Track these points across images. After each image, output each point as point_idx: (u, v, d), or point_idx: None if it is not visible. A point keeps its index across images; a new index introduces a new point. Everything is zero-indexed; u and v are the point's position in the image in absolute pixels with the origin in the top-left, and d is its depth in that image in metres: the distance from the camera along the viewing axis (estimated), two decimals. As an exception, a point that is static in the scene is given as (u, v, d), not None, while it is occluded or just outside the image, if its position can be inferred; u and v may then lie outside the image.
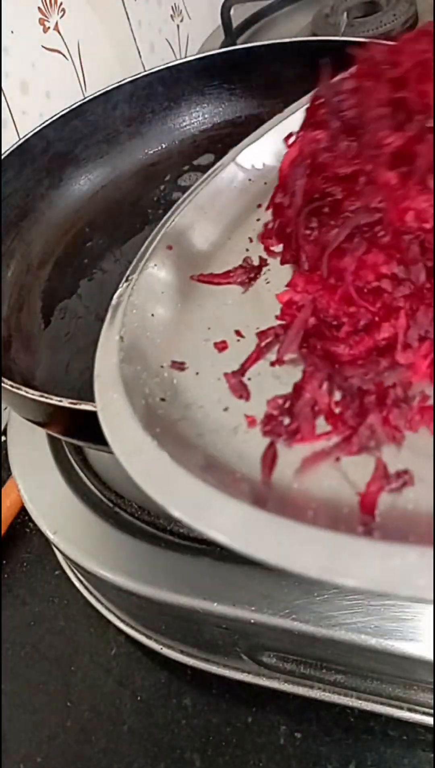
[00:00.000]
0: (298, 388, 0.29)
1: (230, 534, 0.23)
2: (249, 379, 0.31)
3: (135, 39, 0.82)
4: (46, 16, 0.68)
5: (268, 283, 0.35)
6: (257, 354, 0.31)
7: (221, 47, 0.83)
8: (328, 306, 0.30)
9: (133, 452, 0.26)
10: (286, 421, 0.28)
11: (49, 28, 0.69)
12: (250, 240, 0.38)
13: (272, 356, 0.31)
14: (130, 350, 0.31)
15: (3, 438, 0.65)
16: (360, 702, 0.43)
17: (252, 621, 0.40)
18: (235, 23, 0.87)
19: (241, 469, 0.27)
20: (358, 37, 0.74)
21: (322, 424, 0.28)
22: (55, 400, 0.35)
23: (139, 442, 0.26)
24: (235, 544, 0.23)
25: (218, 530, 0.23)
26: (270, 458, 0.27)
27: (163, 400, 0.29)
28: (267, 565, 0.22)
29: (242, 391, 0.30)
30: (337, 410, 0.28)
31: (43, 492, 0.51)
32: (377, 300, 0.29)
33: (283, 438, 0.27)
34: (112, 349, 0.31)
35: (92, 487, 0.50)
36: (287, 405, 0.28)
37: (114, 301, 0.34)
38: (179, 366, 0.31)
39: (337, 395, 0.28)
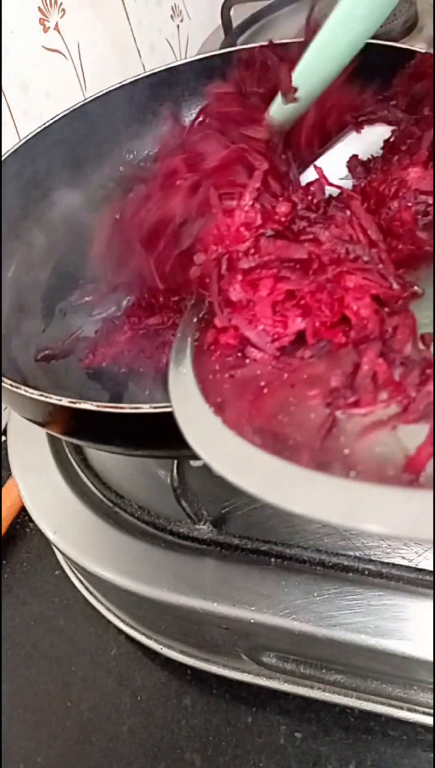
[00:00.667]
0: (355, 364, 0.30)
1: (257, 484, 0.24)
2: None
3: (135, 39, 0.82)
4: (46, 16, 0.68)
5: None
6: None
7: (221, 47, 0.83)
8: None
9: (190, 416, 0.28)
10: (349, 394, 0.29)
11: (49, 28, 0.69)
12: None
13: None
14: (206, 330, 0.33)
15: (3, 438, 0.65)
16: (360, 702, 0.43)
17: (252, 621, 0.40)
18: (235, 23, 0.87)
19: (296, 436, 0.28)
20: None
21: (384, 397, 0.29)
22: (54, 399, 0.35)
23: (197, 408, 0.28)
24: (260, 493, 0.24)
25: (247, 481, 0.25)
26: (327, 426, 0.28)
27: (231, 376, 0.31)
28: (292, 512, 0.23)
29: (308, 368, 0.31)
30: (397, 378, 0.29)
31: (43, 492, 0.51)
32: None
33: (344, 408, 0.28)
34: (191, 329, 0.33)
35: (92, 487, 0.50)
36: (349, 380, 0.29)
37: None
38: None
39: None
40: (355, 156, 0.40)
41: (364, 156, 0.40)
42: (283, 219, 0.32)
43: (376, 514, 0.22)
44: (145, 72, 0.61)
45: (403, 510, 0.22)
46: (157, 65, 0.61)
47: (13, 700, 0.52)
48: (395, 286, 0.31)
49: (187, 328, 0.33)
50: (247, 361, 0.32)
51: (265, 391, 0.30)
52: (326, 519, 0.23)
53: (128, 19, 0.81)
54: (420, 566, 0.39)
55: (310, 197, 0.35)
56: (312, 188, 0.35)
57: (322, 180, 0.36)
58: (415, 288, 0.32)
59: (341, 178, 0.39)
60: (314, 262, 0.32)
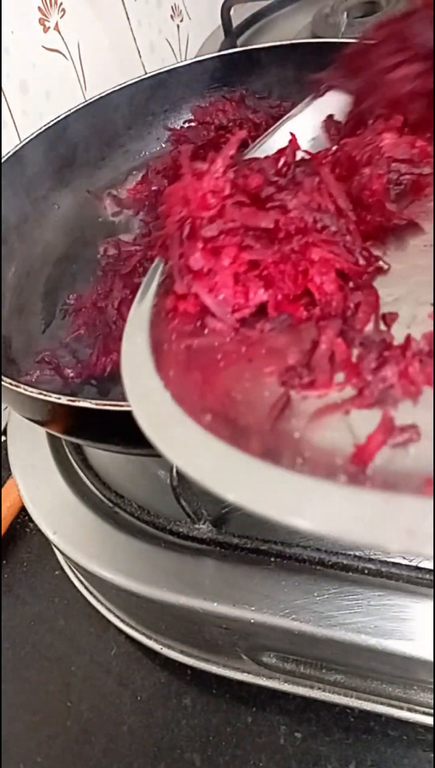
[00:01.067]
0: (314, 342, 0.29)
1: (199, 469, 0.23)
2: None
3: (135, 39, 0.82)
4: (46, 16, 0.68)
5: None
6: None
7: (221, 47, 0.83)
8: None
9: (140, 390, 0.27)
10: (305, 373, 0.28)
11: (49, 28, 0.69)
12: None
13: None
14: (166, 296, 0.32)
15: (3, 438, 0.65)
16: (360, 702, 0.43)
17: (252, 621, 0.40)
18: (235, 23, 0.87)
19: (247, 416, 0.26)
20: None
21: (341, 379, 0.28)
22: (53, 398, 0.35)
23: (148, 382, 0.27)
24: (201, 478, 0.23)
25: (192, 465, 0.23)
26: (280, 407, 0.27)
27: (188, 347, 0.30)
28: (232, 503, 0.22)
29: (267, 344, 0.30)
30: (355, 360, 0.27)
31: (43, 492, 0.51)
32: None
33: (298, 388, 0.27)
34: (151, 293, 0.32)
35: (92, 487, 0.50)
36: (306, 358, 0.28)
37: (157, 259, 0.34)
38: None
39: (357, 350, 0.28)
40: (330, 116, 0.40)
41: (340, 116, 0.40)
42: (252, 191, 0.31)
43: (314, 511, 0.21)
44: (145, 74, 0.61)
45: (343, 510, 0.21)
46: (157, 65, 0.61)
47: (13, 700, 0.52)
48: (361, 261, 0.31)
49: (146, 293, 0.32)
50: (206, 331, 0.30)
51: (221, 364, 0.29)
52: (264, 512, 0.22)
53: (128, 19, 0.81)
54: (420, 566, 0.39)
55: (280, 164, 0.34)
56: (283, 155, 0.34)
57: (293, 146, 0.35)
58: (381, 263, 0.31)
59: (312, 139, 0.38)
60: (280, 231, 0.31)
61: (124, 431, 0.36)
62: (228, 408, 0.27)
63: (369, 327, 0.29)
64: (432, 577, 0.38)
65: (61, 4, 0.70)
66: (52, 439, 0.54)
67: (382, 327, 0.29)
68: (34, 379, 0.46)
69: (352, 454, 0.24)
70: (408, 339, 0.27)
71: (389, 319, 0.29)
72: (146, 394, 0.27)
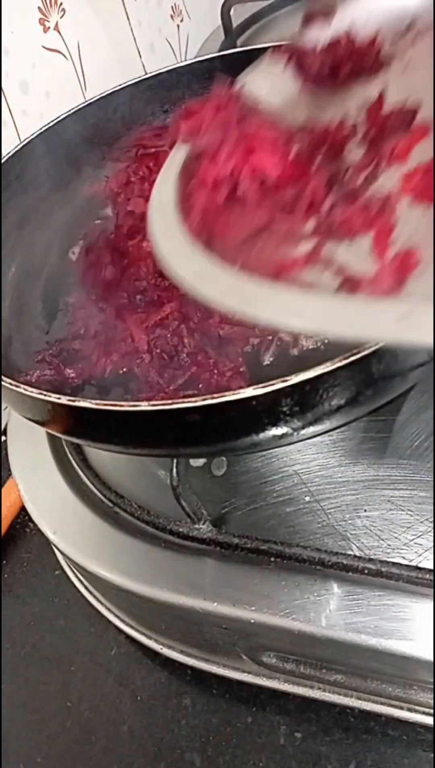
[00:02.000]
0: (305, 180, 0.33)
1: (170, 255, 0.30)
2: None
3: (135, 39, 0.82)
4: (46, 16, 0.68)
5: None
6: None
7: (221, 47, 0.83)
8: None
9: (162, 187, 0.34)
10: (291, 200, 0.33)
11: (49, 28, 0.69)
12: None
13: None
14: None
15: (3, 438, 0.65)
16: (360, 702, 0.43)
17: (252, 621, 0.40)
18: (235, 23, 0.87)
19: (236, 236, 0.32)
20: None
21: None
22: (53, 398, 0.35)
23: (169, 190, 0.34)
24: (168, 263, 0.30)
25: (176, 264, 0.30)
26: (262, 223, 0.32)
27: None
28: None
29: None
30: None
31: (43, 492, 0.51)
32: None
33: (282, 212, 0.32)
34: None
35: (92, 487, 0.50)
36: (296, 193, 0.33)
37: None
38: None
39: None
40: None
41: None
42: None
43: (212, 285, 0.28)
44: (145, 74, 0.61)
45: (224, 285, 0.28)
46: (157, 65, 0.61)
47: (13, 700, 0.52)
48: None
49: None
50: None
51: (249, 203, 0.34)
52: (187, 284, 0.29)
53: (128, 19, 0.81)
54: (420, 566, 0.39)
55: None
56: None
57: None
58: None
59: None
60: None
61: (124, 431, 0.36)
62: (221, 233, 0.32)
63: (362, 176, 0.33)
64: (432, 577, 0.38)
65: (61, 4, 0.70)
66: (52, 439, 0.54)
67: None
68: (34, 379, 0.46)
69: (277, 264, 0.30)
70: (368, 193, 0.32)
71: (371, 174, 0.33)
72: (164, 195, 0.34)
